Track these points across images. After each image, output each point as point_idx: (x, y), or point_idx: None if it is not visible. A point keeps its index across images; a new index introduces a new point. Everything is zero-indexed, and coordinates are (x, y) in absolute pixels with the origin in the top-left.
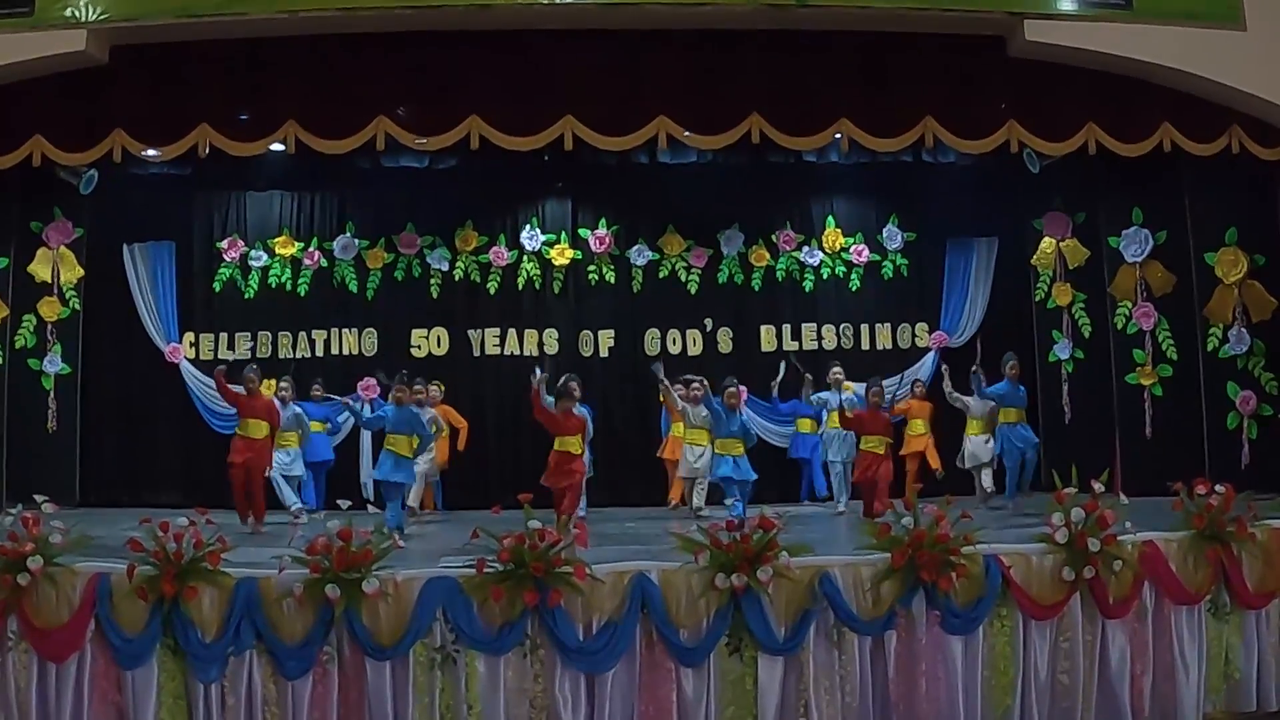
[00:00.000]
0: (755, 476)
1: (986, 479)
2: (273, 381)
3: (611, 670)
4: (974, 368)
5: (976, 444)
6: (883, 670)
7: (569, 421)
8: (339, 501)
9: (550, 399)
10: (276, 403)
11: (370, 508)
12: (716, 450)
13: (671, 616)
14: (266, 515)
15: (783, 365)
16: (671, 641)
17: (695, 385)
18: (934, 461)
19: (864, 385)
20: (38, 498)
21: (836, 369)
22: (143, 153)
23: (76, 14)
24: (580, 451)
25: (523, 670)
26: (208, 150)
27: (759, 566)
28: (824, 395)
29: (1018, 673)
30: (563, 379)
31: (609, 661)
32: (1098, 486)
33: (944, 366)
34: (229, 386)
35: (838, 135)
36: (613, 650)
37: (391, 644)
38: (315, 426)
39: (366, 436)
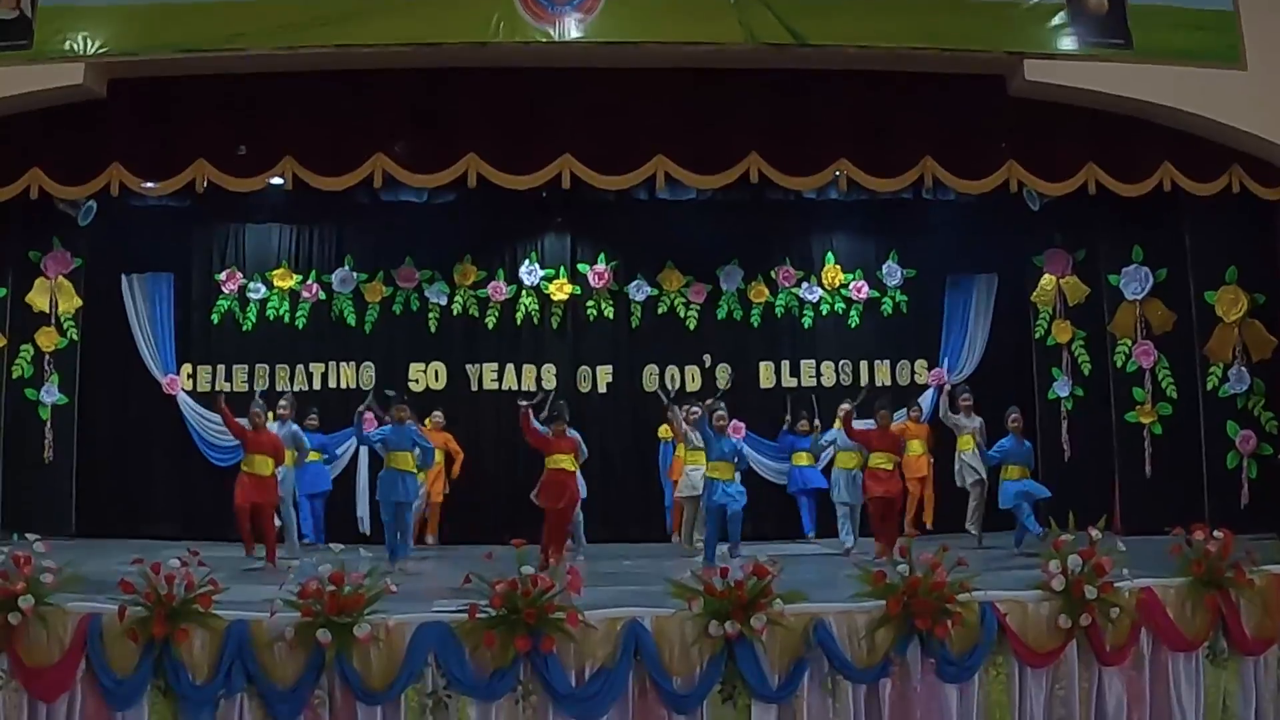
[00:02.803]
0: (744, 502)
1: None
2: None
3: (604, 717)
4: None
5: (973, 458)
6: (877, 718)
7: (561, 442)
8: (332, 545)
9: (538, 423)
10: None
11: (363, 550)
12: (708, 474)
13: (664, 663)
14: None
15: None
16: (664, 689)
17: (694, 409)
18: (928, 514)
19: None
20: (29, 536)
21: (846, 406)
22: (140, 186)
23: (75, 47)
24: (574, 469)
25: (515, 716)
26: (205, 185)
27: (753, 614)
28: (833, 434)
29: None
30: (551, 402)
31: (601, 708)
32: (1095, 533)
33: (945, 386)
34: (235, 419)
35: (837, 174)
36: (605, 697)
37: (383, 688)
38: (312, 456)
39: (364, 470)
